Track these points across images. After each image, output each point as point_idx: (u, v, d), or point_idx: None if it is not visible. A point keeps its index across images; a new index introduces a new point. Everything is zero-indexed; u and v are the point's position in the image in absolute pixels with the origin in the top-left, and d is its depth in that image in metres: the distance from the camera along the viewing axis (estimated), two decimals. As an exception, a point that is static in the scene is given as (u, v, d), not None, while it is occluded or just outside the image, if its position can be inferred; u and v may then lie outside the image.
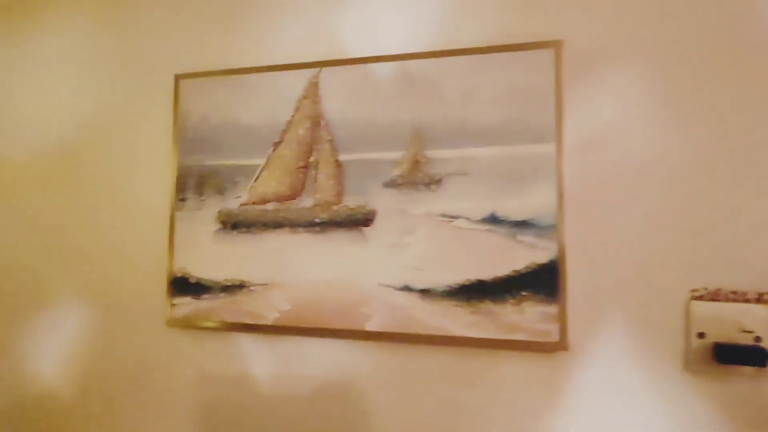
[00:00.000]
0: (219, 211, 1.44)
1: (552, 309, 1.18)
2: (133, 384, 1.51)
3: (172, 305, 1.47)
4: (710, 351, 1.12)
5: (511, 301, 1.21)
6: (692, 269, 1.14)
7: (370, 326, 1.30)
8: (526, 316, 1.19)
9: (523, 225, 1.21)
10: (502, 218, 1.23)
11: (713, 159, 1.13)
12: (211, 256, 1.44)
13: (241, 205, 1.42)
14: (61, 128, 1.64)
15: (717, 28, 1.14)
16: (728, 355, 1.09)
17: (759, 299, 1.10)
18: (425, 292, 1.26)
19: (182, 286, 1.46)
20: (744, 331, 1.10)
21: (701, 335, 1.13)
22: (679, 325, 1.14)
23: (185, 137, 1.49)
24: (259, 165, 1.42)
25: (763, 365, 1.07)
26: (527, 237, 1.21)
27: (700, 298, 1.14)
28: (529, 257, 1.20)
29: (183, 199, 1.48)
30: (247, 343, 1.41)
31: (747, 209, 1.11)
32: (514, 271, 1.21)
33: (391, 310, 1.29)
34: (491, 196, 1.23)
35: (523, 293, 1.20)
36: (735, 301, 1.12)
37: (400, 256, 1.29)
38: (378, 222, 1.32)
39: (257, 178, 1.42)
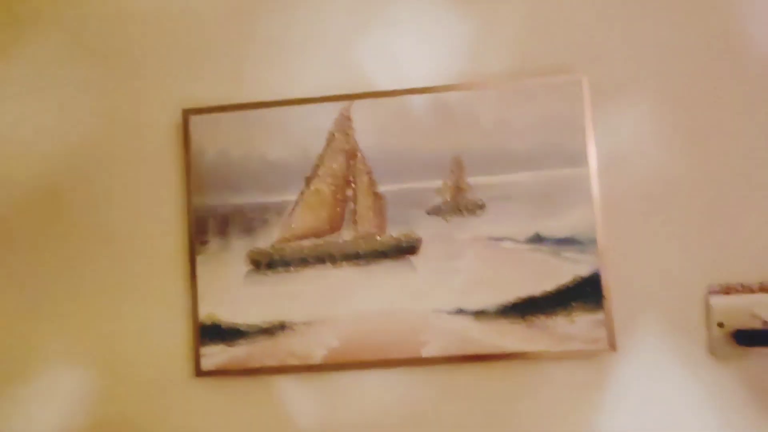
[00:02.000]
0: (249, 251, 1.38)
1: (599, 316, 1.30)
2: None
3: (201, 356, 1.37)
4: (730, 337, 1.30)
5: (563, 313, 1.31)
6: (708, 269, 1.32)
7: (426, 353, 1.33)
8: (578, 326, 1.30)
9: (565, 242, 1.32)
10: (545, 237, 1.32)
11: (720, 173, 1.32)
12: (244, 299, 1.37)
13: (275, 243, 1.38)
14: (50, 165, 1.45)
15: (717, 60, 1.34)
16: (747, 338, 1.28)
17: (762, 289, 1.31)
18: (479, 314, 1.32)
19: (212, 333, 1.37)
20: (754, 318, 1.30)
21: (721, 325, 1.31)
22: (701, 317, 1.32)
23: (200, 175, 1.40)
24: (291, 201, 1.38)
25: (778, 344, 1.27)
26: (570, 253, 1.31)
27: (716, 292, 1.32)
28: (574, 271, 1.31)
29: (204, 242, 1.39)
30: (294, 385, 1.36)
31: (748, 216, 1.31)
32: (562, 285, 1.31)
33: (446, 335, 1.33)
34: (534, 217, 1.33)
35: (573, 304, 1.31)
36: (744, 292, 1.31)
37: (450, 281, 1.34)
38: (424, 249, 1.35)
39: (291, 214, 1.38)
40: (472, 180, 1.35)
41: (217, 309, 1.37)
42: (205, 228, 1.40)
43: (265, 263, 1.38)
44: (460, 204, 1.35)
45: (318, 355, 1.35)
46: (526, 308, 1.31)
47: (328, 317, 1.35)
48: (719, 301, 1.31)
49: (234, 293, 1.37)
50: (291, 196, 1.38)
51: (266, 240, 1.38)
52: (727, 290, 1.32)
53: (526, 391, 1.33)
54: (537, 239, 1.33)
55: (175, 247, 1.41)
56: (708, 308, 1.31)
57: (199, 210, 1.40)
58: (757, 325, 1.29)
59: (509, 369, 1.33)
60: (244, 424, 1.37)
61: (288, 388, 1.37)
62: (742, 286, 1.31)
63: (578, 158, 1.32)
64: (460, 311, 1.33)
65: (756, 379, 1.29)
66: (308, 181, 1.38)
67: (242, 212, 1.39)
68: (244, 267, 1.38)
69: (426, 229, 1.35)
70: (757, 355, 1.30)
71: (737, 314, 1.31)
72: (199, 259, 1.39)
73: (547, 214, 1.33)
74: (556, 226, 1.32)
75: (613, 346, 1.30)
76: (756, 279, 1.31)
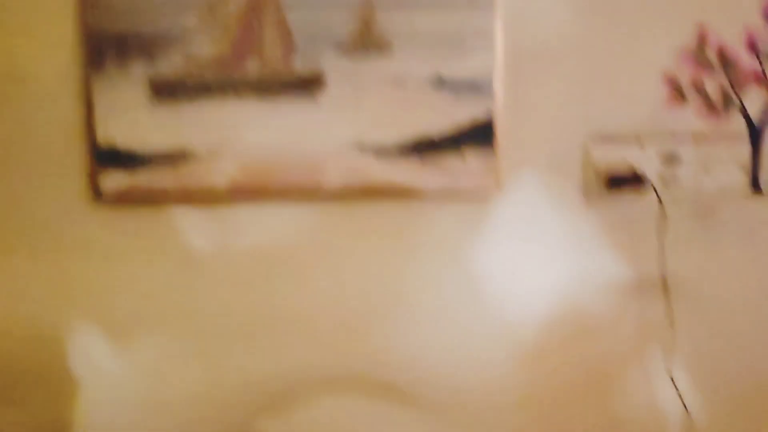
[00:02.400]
0: (149, 78, 1.34)
1: (489, 158, 1.39)
2: (46, 273, 1.40)
3: (99, 180, 1.36)
4: (603, 182, 1.44)
5: (456, 153, 1.38)
6: (590, 119, 1.42)
7: (325, 185, 1.38)
8: (469, 166, 1.39)
9: (465, 85, 1.37)
10: (447, 80, 1.37)
11: (616, 31, 1.39)
12: (145, 125, 1.35)
13: (177, 70, 1.34)
14: None
15: None
16: (616, 183, 1.42)
17: (636, 140, 1.44)
18: (379, 150, 1.37)
19: (110, 158, 1.35)
20: (626, 166, 1.44)
21: (596, 171, 1.44)
22: (579, 164, 1.44)
23: (94, -7, 1.32)
24: (194, 26, 1.33)
25: (640, 185, 1.42)
26: (469, 96, 1.37)
27: (594, 141, 1.44)
28: (470, 114, 1.37)
29: (100, 66, 1.33)
30: (194, 215, 1.39)
31: (633, 74, 1.41)
32: (458, 126, 1.38)
33: (346, 170, 1.38)
34: (437, 59, 1.36)
35: (466, 146, 1.38)
36: (619, 143, 1.44)
37: (353, 118, 1.37)
38: (329, 85, 1.36)
39: (194, 41, 1.34)
40: (381, 17, 1.35)
41: (116, 134, 1.35)
42: (101, 52, 1.33)
43: (166, 90, 1.35)
44: (367, 41, 1.35)
45: (219, 185, 1.37)
46: (423, 147, 1.38)
47: (231, 148, 1.36)
48: (597, 150, 1.43)
49: (133, 119, 1.35)
50: (194, 22, 1.34)
51: (167, 67, 1.34)
52: (605, 140, 1.44)
53: (417, 225, 1.43)
54: (439, 81, 1.37)
55: (67, 70, 1.35)
56: (586, 155, 1.43)
57: (93, 32, 1.33)
58: (628, 172, 1.43)
59: (403, 205, 1.41)
60: (142, 251, 1.40)
61: (188, 217, 1.39)
62: (619, 136, 1.43)
63: (485, 3, 1.35)
64: (361, 147, 1.37)
65: (621, 220, 1.45)
66: (212, 7, 1.34)
67: (141, 36, 1.33)
68: (144, 93, 1.34)
69: (332, 65, 1.36)
70: (624, 200, 1.45)
71: (612, 162, 1.44)
72: (95, 83, 1.34)
73: (451, 56, 1.36)
74: (458, 69, 1.37)
75: (499, 186, 1.40)
76: (631, 131, 1.43)
